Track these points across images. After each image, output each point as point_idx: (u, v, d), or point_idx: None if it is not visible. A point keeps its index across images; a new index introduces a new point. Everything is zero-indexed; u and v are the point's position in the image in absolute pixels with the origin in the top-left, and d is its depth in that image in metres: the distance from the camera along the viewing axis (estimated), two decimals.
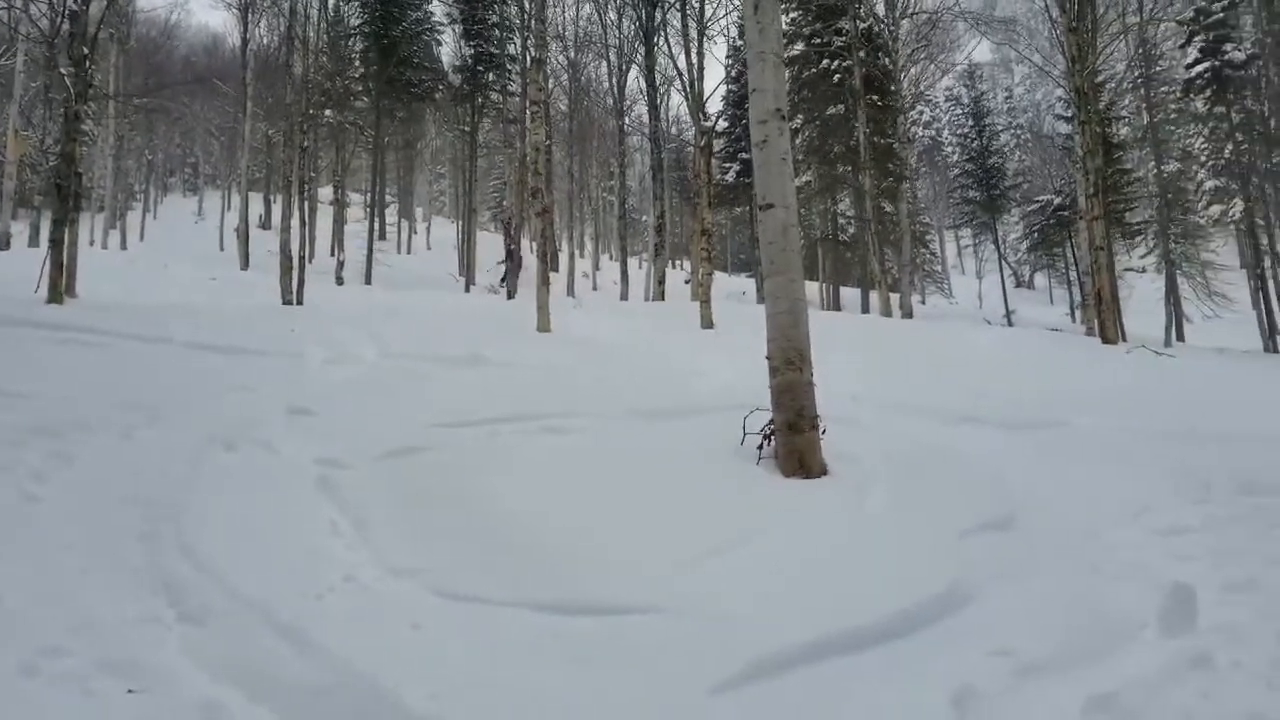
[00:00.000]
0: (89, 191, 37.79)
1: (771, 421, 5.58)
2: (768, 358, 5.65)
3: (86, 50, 11.93)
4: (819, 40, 29.78)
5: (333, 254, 30.58)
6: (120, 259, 28.17)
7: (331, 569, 3.95)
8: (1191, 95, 29.48)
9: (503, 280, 36.45)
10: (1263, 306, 27.40)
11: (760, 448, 5.57)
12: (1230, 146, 27.88)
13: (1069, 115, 26.11)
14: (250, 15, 30.57)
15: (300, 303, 17.65)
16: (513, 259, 27.23)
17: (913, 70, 30.29)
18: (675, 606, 3.61)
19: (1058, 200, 34.55)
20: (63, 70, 11.98)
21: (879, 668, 3.28)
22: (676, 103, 57.89)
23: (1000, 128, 52.26)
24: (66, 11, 11.98)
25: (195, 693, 3.09)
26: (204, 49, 62.45)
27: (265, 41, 34.25)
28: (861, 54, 25.75)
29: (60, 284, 11.06)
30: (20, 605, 3.55)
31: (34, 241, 29.32)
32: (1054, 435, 6.54)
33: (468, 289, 30.61)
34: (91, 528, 4.29)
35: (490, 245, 40.41)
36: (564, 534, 4.27)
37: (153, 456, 5.23)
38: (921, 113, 46.04)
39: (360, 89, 34.20)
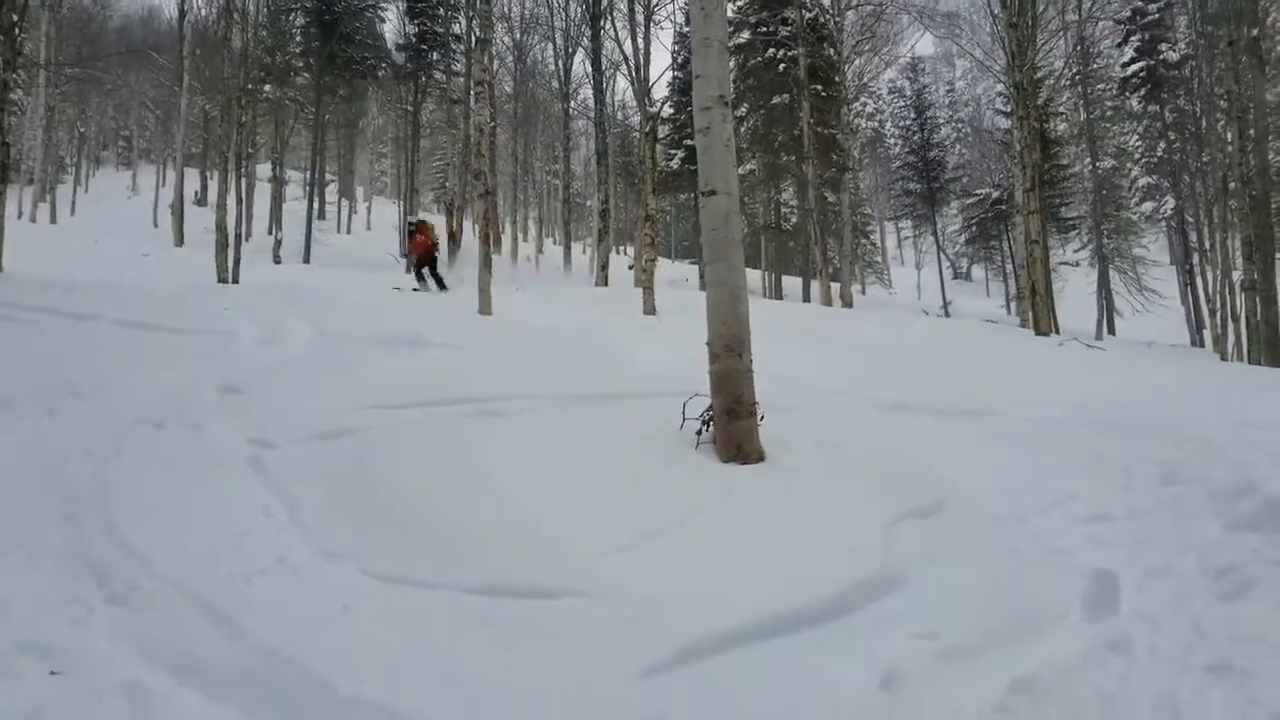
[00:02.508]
0: (17, 164, 36.68)
1: (710, 407, 5.60)
2: (707, 344, 5.67)
3: (16, 17, 11.57)
4: (765, 29, 29.87)
5: (270, 232, 30.08)
6: (50, 233, 27.46)
7: (262, 551, 3.90)
8: (1127, 93, 30.20)
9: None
10: (1190, 301, 28.20)
11: (699, 433, 5.59)
12: (1163, 145, 28.60)
13: (1008, 110, 26.56)
14: None
15: (236, 281, 17.38)
16: (455, 241, 27.00)
17: (857, 62, 30.52)
18: (608, 590, 3.62)
19: (996, 194, 35.18)
20: None
21: (810, 650, 3.33)
22: (622, 87, 57.60)
23: (941, 121, 53.02)
24: None
25: (121, 675, 3.05)
26: (140, 19, 61.15)
27: (203, 13, 33.42)
28: (807, 44, 25.87)
29: None
30: None
31: None
32: (985, 423, 6.65)
33: (408, 270, 30.24)
34: (12, 507, 4.18)
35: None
36: (498, 517, 4.25)
37: (78, 435, 5.10)
38: (865, 104, 46.42)
39: (301, 65, 33.59)
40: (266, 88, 29.30)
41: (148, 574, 3.67)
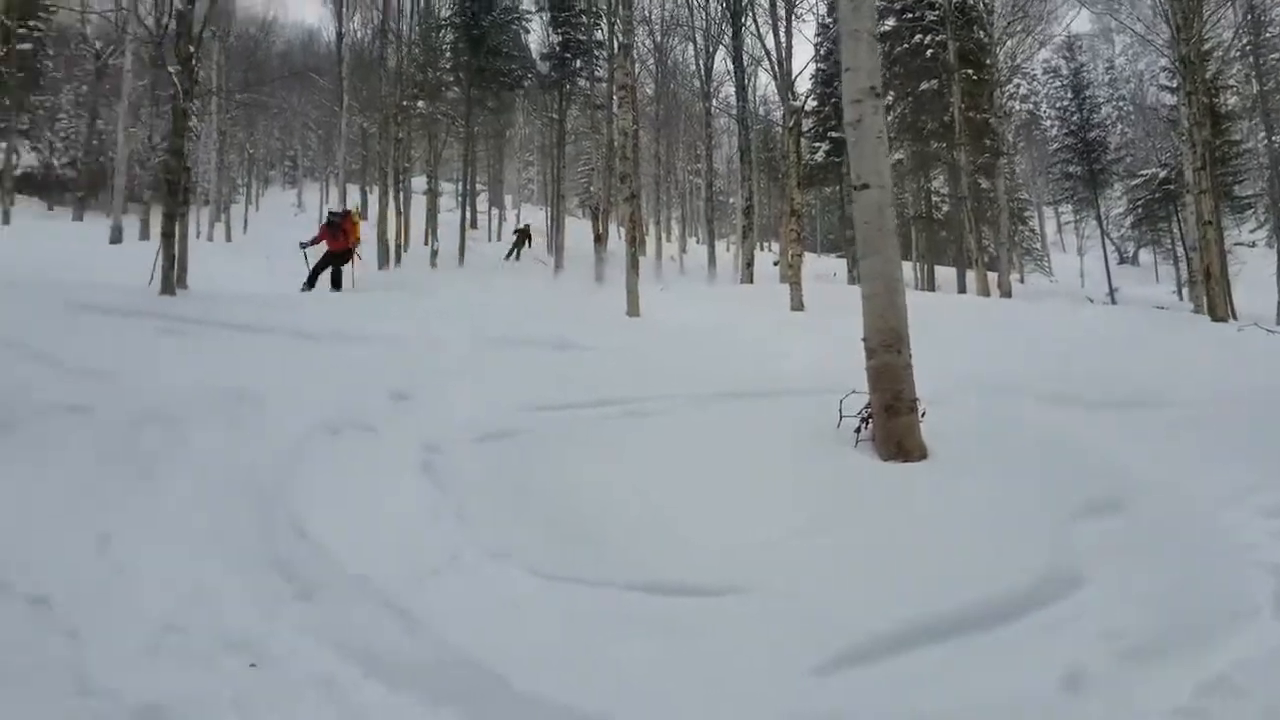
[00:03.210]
0: (195, 186, 39.00)
1: (869, 404, 5.52)
2: (864, 339, 5.59)
3: (193, 49, 12.29)
4: (910, 15, 29.22)
5: (426, 242, 31.09)
6: (226, 250, 29.06)
7: (436, 550, 4.06)
8: None
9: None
10: None
11: (858, 430, 5.51)
12: None
13: (1173, 86, 25.22)
14: (345, 9, 31.15)
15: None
16: (600, 242, 27.34)
17: (1009, 43, 29.45)
18: (772, 588, 3.61)
19: (1163, 174, 33.44)
20: (170, 68, 12.32)
21: (986, 650, 3.25)
22: (764, 83, 57.19)
23: (1101, 100, 50.52)
24: (173, 11, 12.34)
25: (314, 668, 3.24)
26: (300, 44, 64.01)
27: (360, 35, 34.85)
28: (955, 28, 25.17)
29: (172, 276, 11.44)
30: (140, 584, 3.74)
31: (144, 235, 30.37)
32: (1158, 414, 6.34)
33: (556, 274, 30.84)
34: (206, 509, 4.46)
35: (579, 230, 40.63)
36: (655, 516, 4.30)
37: (261, 441, 5.39)
38: (1019, 86, 44.77)
39: (451, 80, 34.61)
40: (420, 104, 30.27)
41: (332, 572, 3.86)
